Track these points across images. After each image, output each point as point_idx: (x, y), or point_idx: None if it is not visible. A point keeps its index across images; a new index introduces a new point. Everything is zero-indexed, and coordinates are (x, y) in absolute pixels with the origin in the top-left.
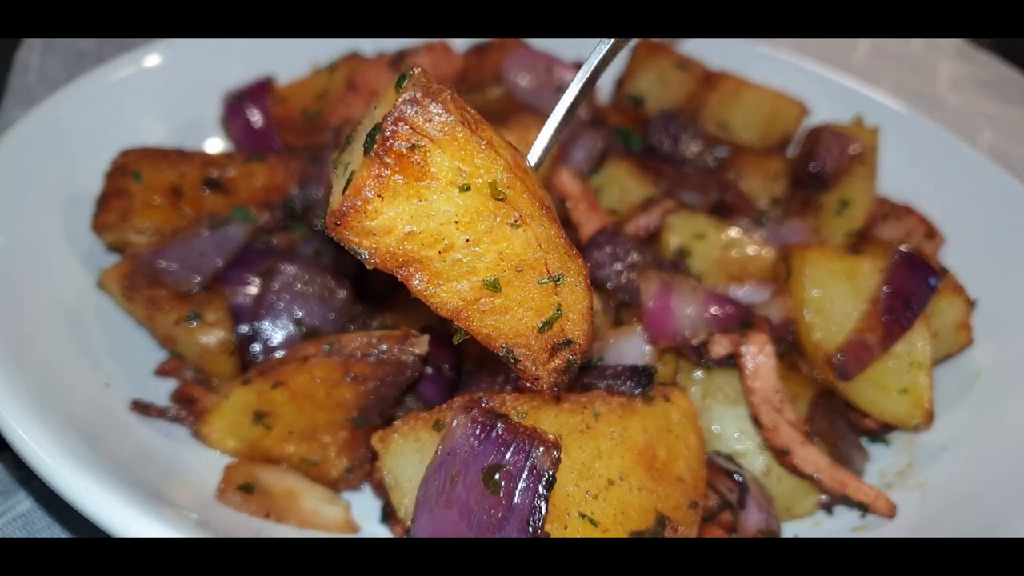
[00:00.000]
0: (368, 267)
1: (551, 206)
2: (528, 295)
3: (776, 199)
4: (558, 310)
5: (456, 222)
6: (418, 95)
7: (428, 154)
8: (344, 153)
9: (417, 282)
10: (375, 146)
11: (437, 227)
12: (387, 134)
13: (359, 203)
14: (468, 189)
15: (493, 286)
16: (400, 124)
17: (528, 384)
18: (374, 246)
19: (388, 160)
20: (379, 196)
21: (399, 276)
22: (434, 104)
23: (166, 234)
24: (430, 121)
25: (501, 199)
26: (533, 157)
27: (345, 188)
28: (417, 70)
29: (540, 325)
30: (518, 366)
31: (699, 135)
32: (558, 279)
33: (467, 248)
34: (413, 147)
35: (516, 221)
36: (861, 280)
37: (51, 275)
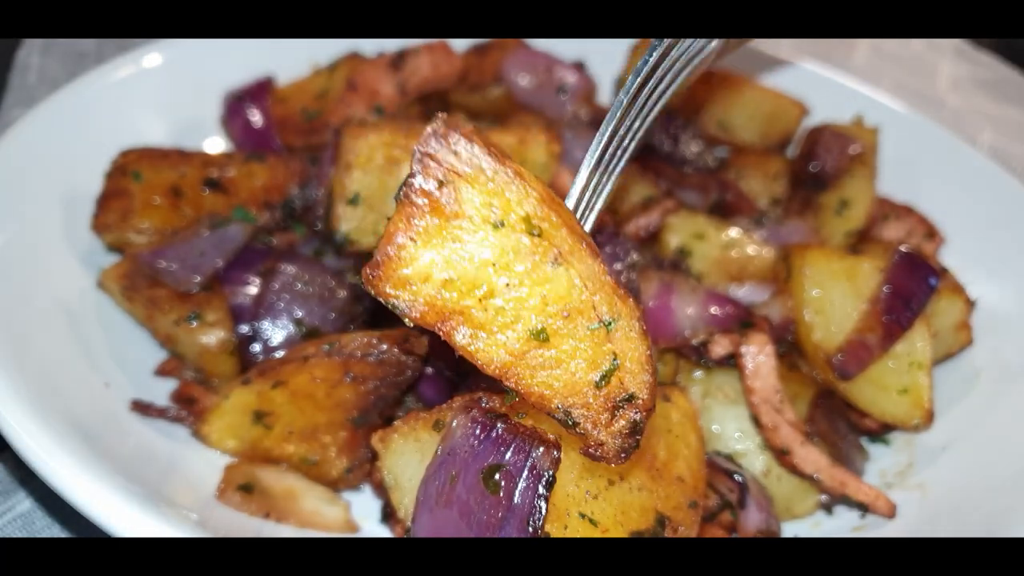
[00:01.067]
0: (410, 324)
1: (591, 241)
2: (579, 344)
3: (776, 199)
4: (615, 360)
5: (494, 264)
6: (440, 128)
7: (458, 190)
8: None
9: (460, 337)
10: (403, 188)
11: (475, 272)
12: (414, 171)
13: (393, 251)
14: (502, 226)
15: (540, 336)
16: (426, 159)
17: (593, 452)
18: (412, 298)
19: (418, 201)
20: (412, 240)
21: (442, 333)
22: (456, 135)
23: (166, 234)
24: (456, 154)
25: (537, 235)
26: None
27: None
28: (441, 115)
29: (597, 379)
30: (579, 430)
31: (699, 135)
32: (610, 324)
33: (508, 292)
34: (441, 184)
35: (556, 259)
36: (861, 280)
37: (51, 275)
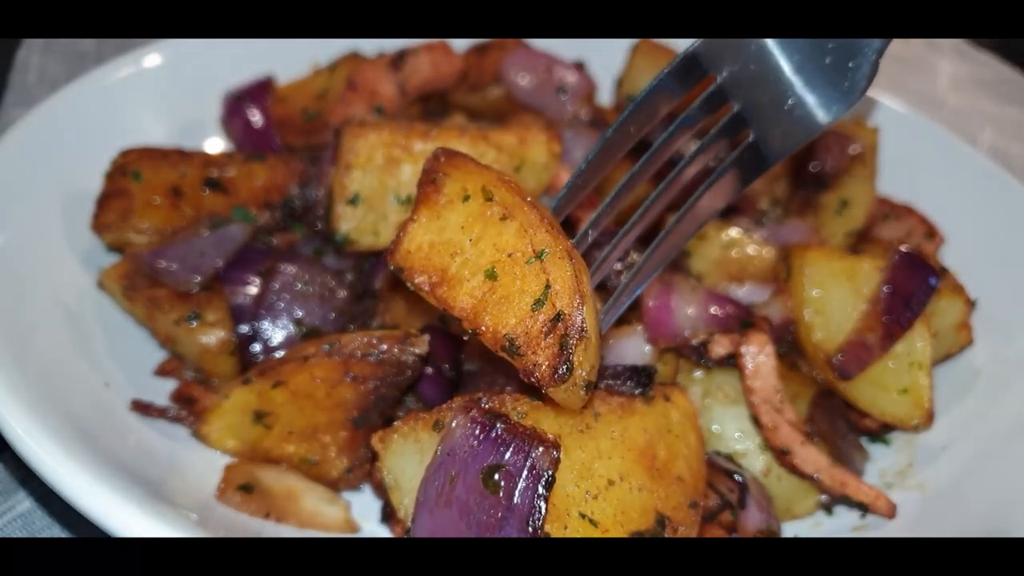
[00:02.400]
0: (411, 288)
1: (538, 202)
2: (520, 278)
3: (776, 199)
4: (548, 286)
5: (462, 227)
6: (439, 152)
7: (443, 181)
8: None
9: (441, 291)
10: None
11: (451, 236)
12: (420, 176)
13: (401, 233)
14: (468, 199)
15: (492, 275)
16: (426, 172)
17: (532, 379)
18: (412, 264)
19: (421, 192)
20: (413, 220)
21: (431, 288)
22: (446, 157)
23: (166, 234)
24: (443, 161)
25: (491, 199)
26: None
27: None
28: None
29: (533, 304)
30: (519, 359)
31: (699, 135)
32: (542, 254)
33: (472, 248)
34: (434, 181)
35: (504, 215)
36: (861, 280)
37: (51, 275)
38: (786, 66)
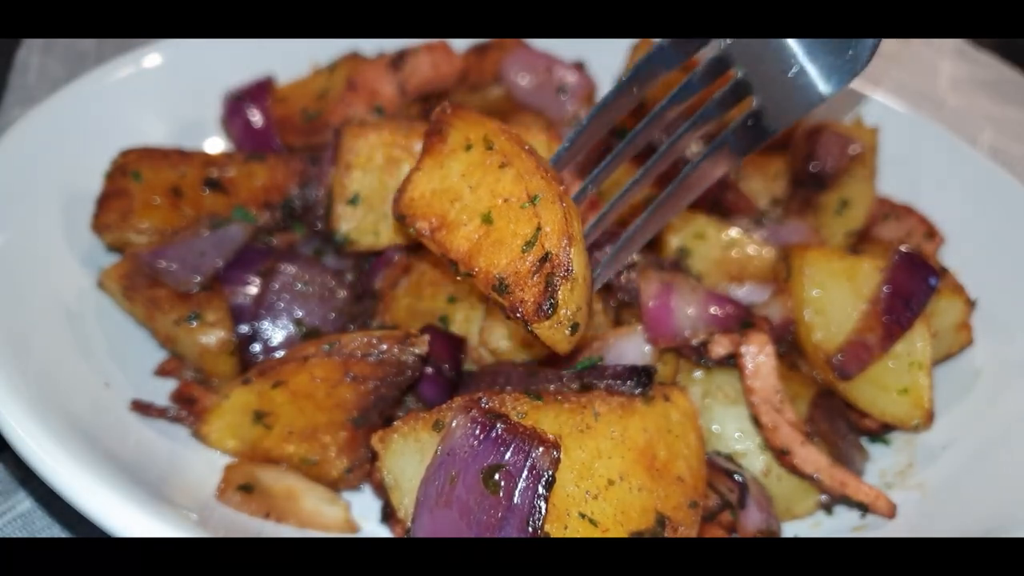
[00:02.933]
0: (413, 234)
1: (535, 151)
2: (515, 221)
3: (776, 199)
4: (539, 228)
5: (463, 175)
6: (445, 104)
7: (448, 132)
8: None
9: (439, 235)
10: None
11: (452, 183)
12: (427, 127)
13: (406, 182)
14: (470, 148)
15: (488, 219)
16: (434, 120)
17: (517, 315)
18: (414, 211)
19: (427, 142)
20: (418, 169)
21: (431, 233)
22: (452, 103)
23: (166, 234)
24: (449, 113)
25: (491, 148)
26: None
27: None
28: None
29: (524, 245)
30: (507, 296)
31: (699, 135)
32: (535, 199)
33: (471, 194)
34: (440, 131)
35: (503, 164)
36: (861, 280)
37: (51, 275)
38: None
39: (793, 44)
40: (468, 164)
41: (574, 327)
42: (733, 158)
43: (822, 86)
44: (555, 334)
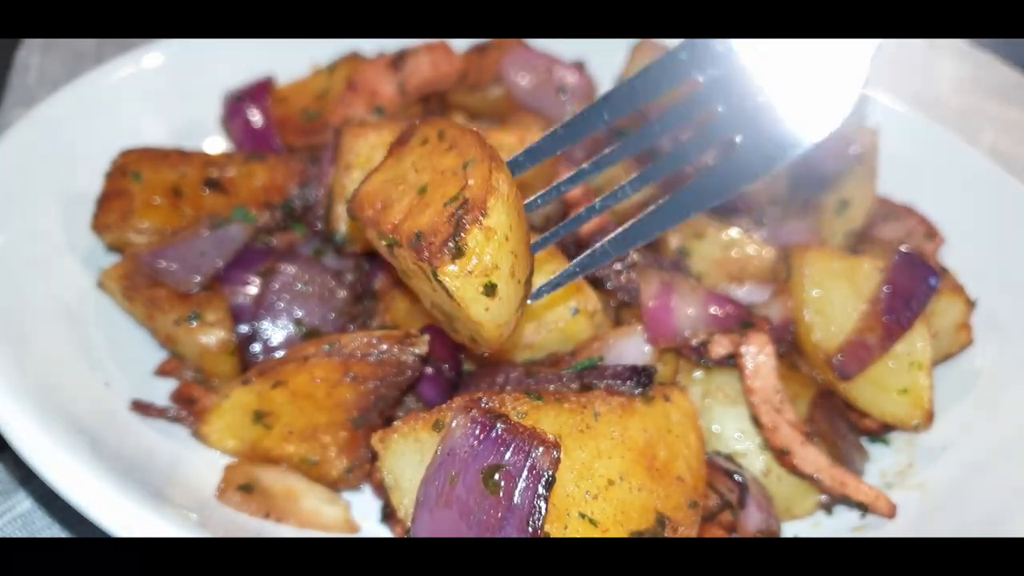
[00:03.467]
0: (362, 229)
1: (488, 143)
2: (444, 186)
3: (776, 199)
4: (464, 186)
5: (413, 163)
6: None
7: (412, 134)
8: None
9: (381, 216)
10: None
11: (402, 172)
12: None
13: (362, 181)
14: (426, 142)
15: (423, 191)
16: (402, 130)
17: (423, 258)
18: (361, 203)
19: (391, 148)
20: (376, 170)
21: (374, 217)
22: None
23: (166, 234)
24: (416, 123)
25: (442, 138)
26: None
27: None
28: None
29: (446, 202)
30: (419, 246)
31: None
32: (467, 164)
33: (415, 175)
34: (406, 137)
35: (449, 147)
36: (861, 280)
37: (51, 275)
38: (771, 75)
39: (774, 85)
40: (420, 155)
41: (489, 287)
42: (719, 194)
43: (806, 133)
44: (465, 288)
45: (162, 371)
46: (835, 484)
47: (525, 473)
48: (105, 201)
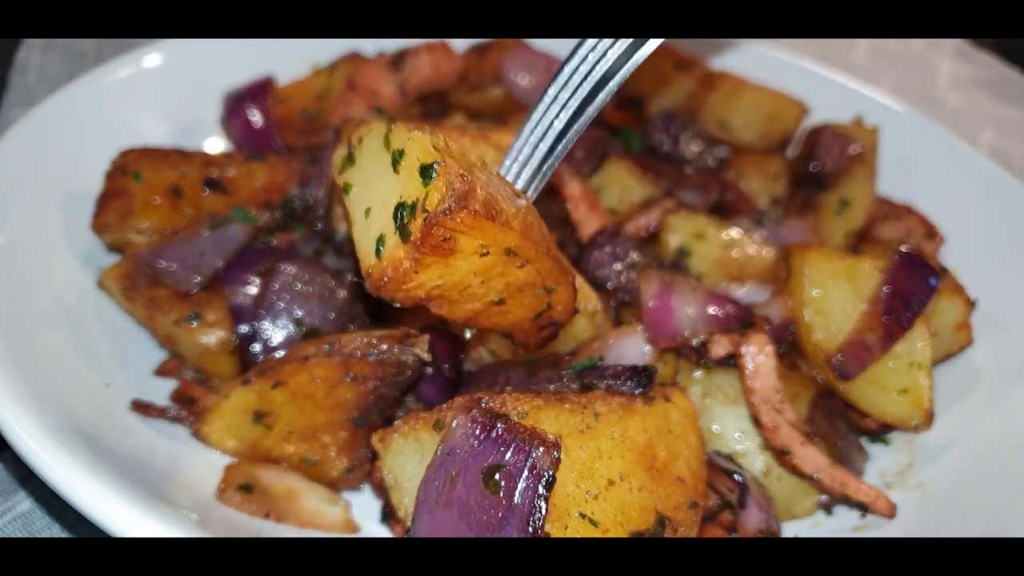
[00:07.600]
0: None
1: (552, 244)
2: (526, 302)
3: (776, 199)
4: (548, 306)
5: (474, 273)
6: (452, 206)
7: (457, 241)
8: (357, 197)
9: (435, 307)
10: (412, 237)
11: (460, 278)
12: (425, 233)
13: (397, 275)
14: (487, 254)
15: (500, 302)
16: (436, 228)
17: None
18: (405, 297)
19: (425, 250)
20: (415, 271)
21: (422, 303)
22: (466, 213)
23: (166, 234)
24: (462, 222)
25: (513, 255)
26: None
27: (378, 252)
28: (442, 164)
29: (534, 316)
30: (514, 340)
31: (699, 135)
32: (551, 290)
33: (481, 286)
34: (446, 240)
35: (522, 264)
36: (861, 280)
37: (51, 275)
38: None
39: None
40: (483, 268)
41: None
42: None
43: None
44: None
45: (162, 371)
46: (835, 484)
47: (525, 473)
48: (105, 201)
